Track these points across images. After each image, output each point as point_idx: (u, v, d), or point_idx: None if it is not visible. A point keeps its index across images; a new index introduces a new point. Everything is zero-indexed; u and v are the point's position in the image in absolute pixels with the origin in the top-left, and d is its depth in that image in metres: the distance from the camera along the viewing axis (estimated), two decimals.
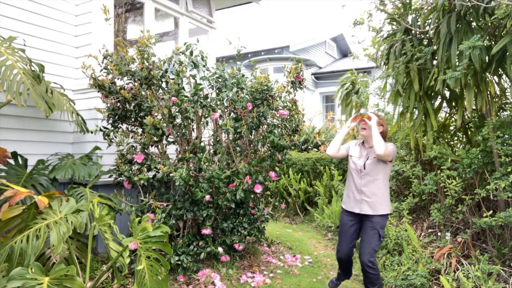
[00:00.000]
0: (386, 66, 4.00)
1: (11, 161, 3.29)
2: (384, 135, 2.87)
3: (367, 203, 2.79)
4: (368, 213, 2.78)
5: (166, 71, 3.40)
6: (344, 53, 17.44)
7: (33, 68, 3.14)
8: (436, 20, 3.36)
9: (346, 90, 5.51)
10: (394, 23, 3.91)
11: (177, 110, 3.27)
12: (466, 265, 3.15)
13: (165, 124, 3.21)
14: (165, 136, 3.40)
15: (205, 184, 3.21)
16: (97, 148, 3.69)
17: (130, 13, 5.92)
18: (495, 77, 3.58)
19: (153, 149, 3.76)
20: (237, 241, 3.52)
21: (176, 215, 3.35)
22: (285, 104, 3.71)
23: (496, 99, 3.64)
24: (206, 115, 3.42)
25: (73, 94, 3.98)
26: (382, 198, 2.79)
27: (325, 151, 3.11)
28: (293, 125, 3.71)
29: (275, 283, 3.42)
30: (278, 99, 3.65)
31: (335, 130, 9.01)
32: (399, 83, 3.78)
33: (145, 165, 3.32)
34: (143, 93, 3.28)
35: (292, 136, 3.61)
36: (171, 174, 3.14)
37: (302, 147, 7.61)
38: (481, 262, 3.05)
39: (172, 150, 4.19)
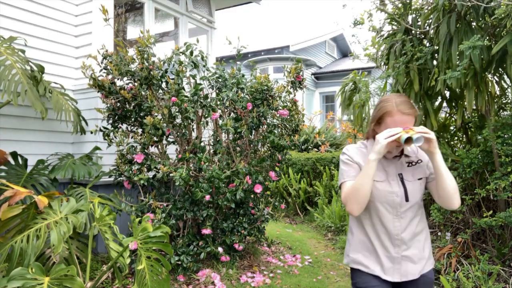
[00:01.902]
0: (386, 66, 4.00)
1: (11, 161, 3.29)
2: None
3: (411, 261, 1.61)
4: (416, 278, 1.62)
5: (166, 71, 3.40)
6: (344, 53, 17.45)
7: (33, 69, 3.14)
8: (437, 20, 3.37)
9: (350, 90, 5.50)
10: (394, 23, 3.91)
11: (177, 110, 3.27)
12: (466, 265, 3.15)
13: (165, 124, 3.21)
14: (165, 136, 3.39)
15: (205, 184, 3.21)
16: (97, 148, 3.69)
17: (130, 13, 5.92)
18: (495, 77, 3.58)
19: (153, 149, 3.76)
20: (237, 241, 3.52)
21: (176, 215, 3.35)
22: (285, 104, 3.71)
23: (496, 99, 3.64)
24: (206, 115, 3.42)
25: (73, 94, 3.98)
26: (427, 241, 1.69)
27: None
28: (293, 125, 3.71)
29: (275, 283, 3.42)
30: (278, 99, 3.65)
31: (335, 130, 8.95)
32: (399, 83, 3.78)
33: (145, 165, 3.32)
34: (143, 93, 3.28)
35: (292, 136, 3.61)
36: (171, 174, 3.14)
37: (302, 147, 7.61)
38: (481, 262, 3.05)
39: (172, 150, 4.19)
